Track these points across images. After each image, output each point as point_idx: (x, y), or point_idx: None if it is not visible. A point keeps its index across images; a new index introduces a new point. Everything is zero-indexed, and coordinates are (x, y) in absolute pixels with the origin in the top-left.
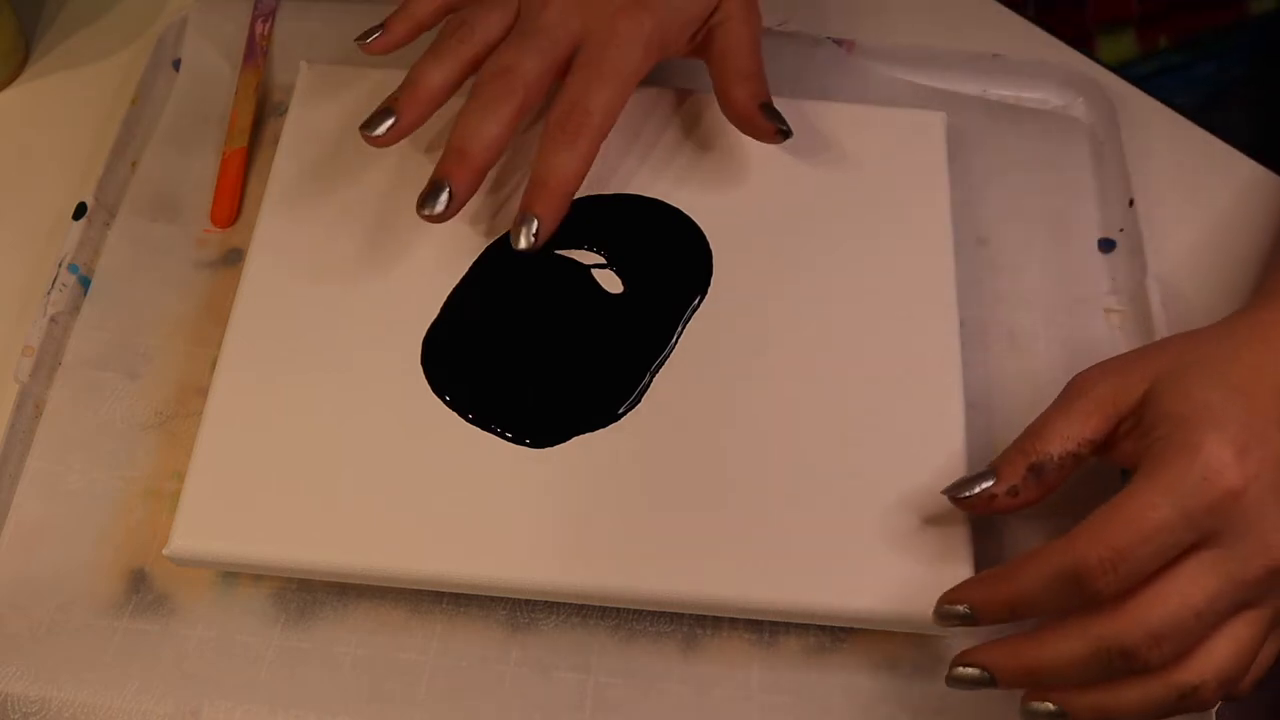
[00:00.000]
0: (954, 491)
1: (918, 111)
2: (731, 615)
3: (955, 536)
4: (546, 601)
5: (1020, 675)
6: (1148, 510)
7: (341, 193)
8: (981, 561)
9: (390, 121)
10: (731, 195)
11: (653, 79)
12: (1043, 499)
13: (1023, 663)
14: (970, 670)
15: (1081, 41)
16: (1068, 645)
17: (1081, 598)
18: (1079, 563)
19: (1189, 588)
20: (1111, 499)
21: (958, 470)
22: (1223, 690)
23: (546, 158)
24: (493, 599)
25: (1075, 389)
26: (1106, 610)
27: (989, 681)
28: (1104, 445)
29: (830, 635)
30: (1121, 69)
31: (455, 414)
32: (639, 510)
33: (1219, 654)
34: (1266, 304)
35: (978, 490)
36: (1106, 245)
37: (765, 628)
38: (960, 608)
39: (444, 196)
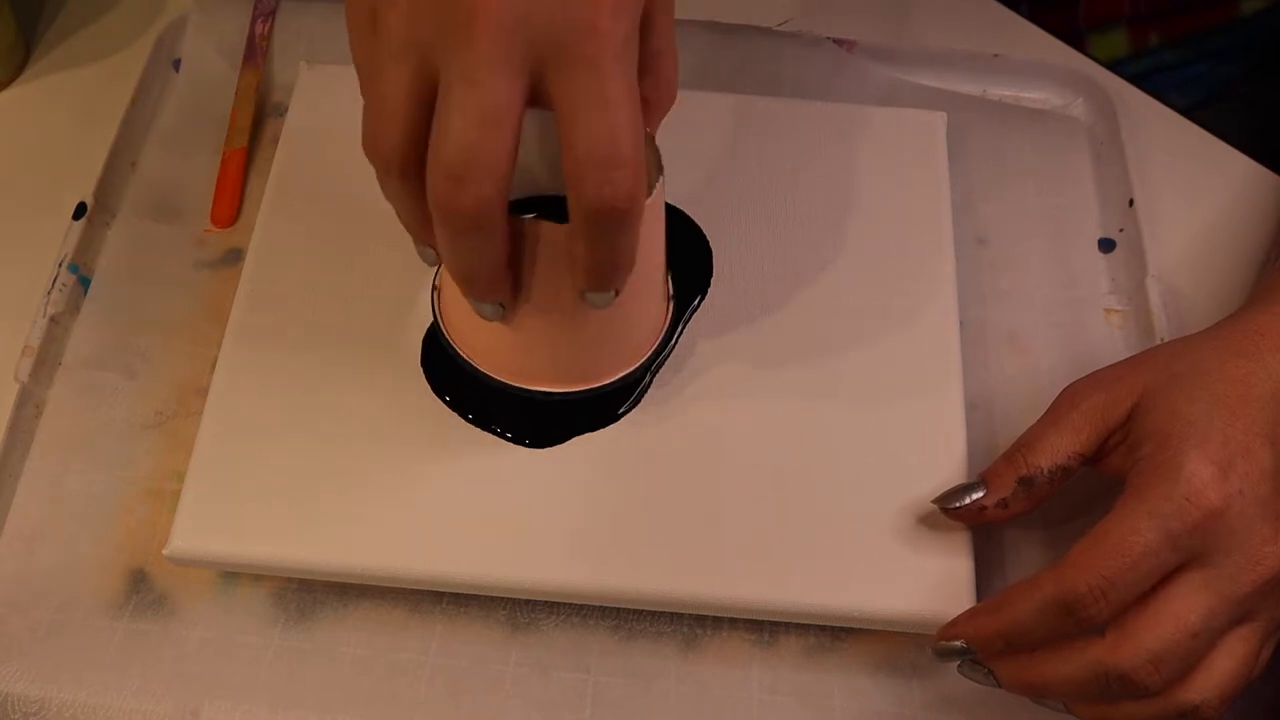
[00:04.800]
0: (944, 502)
1: (918, 111)
2: (731, 615)
3: (955, 536)
4: (546, 601)
5: (1022, 688)
6: (1132, 535)
7: (341, 192)
8: (981, 561)
9: (979, 495)
10: (732, 195)
11: None
12: (1033, 510)
13: (1025, 678)
14: (980, 668)
15: (1073, 39)
16: (1068, 668)
17: (1074, 625)
18: (1069, 592)
19: (1183, 609)
20: (1098, 524)
21: (958, 471)
22: (1225, 706)
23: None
24: (493, 599)
25: (1066, 401)
26: (1105, 635)
27: (995, 684)
28: (1094, 458)
29: (830, 635)
30: (1113, 67)
31: (455, 414)
32: (639, 510)
33: (1219, 672)
34: (1260, 309)
35: (967, 501)
36: (1106, 245)
37: (765, 628)
38: (957, 643)
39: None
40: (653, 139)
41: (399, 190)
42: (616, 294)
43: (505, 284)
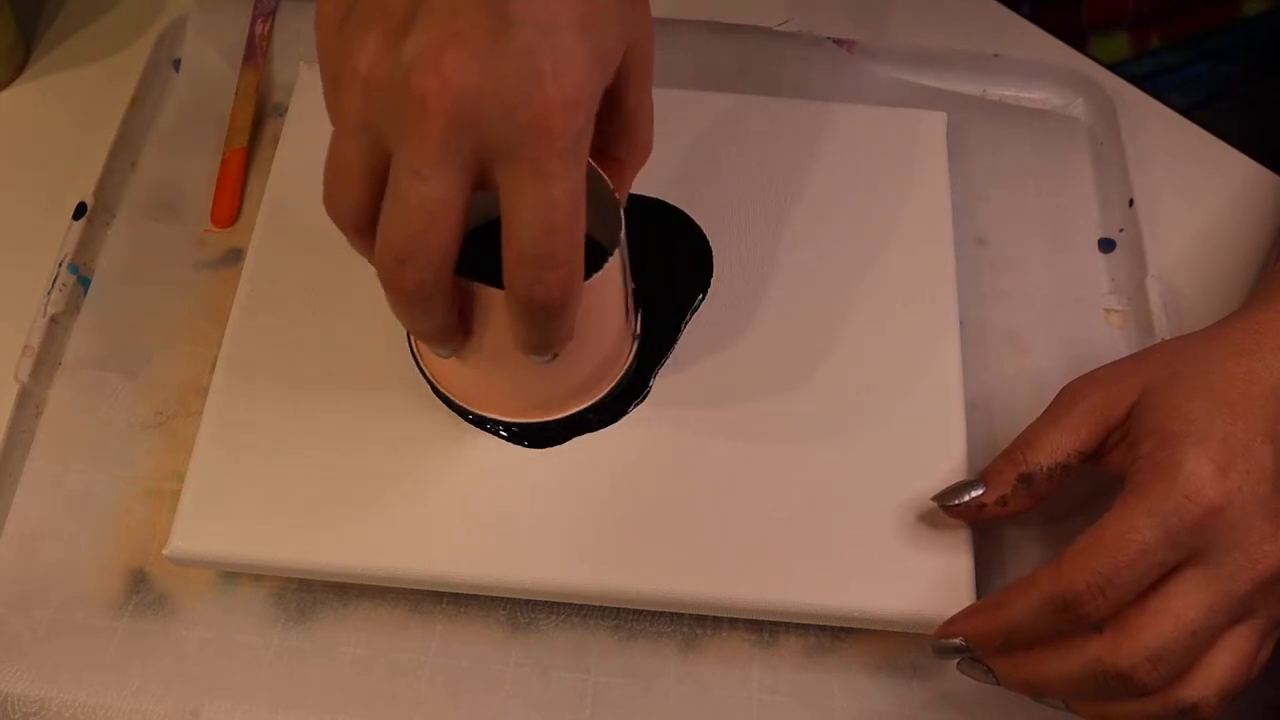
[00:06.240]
0: (943, 499)
1: (918, 111)
2: (731, 615)
3: (955, 535)
4: (546, 601)
5: (1020, 686)
6: (1131, 533)
7: None
8: (981, 561)
9: (978, 492)
10: (732, 194)
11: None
12: (1033, 508)
13: (1023, 675)
14: (979, 665)
15: (1075, 41)
16: (1067, 666)
17: (1073, 623)
18: (1067, 589)
19: (1182, 607)
20: (1097, 522)
21: (958, 471)
22: (1224, 704)
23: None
24: (493, 599)
25: (1066, 399)
26: (1103, 632)
27: (994, 681)
28: (1094, 455)
29: (830, 635)
30: (1114, 68)
31: (455, 414)
32: (639, 510)
33: (1218, 670)
34: (1262, 306)
35: (966, 499)
36: (1106, 245)
37: (765, 628)
38: (956, 640)
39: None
40: (619, 202)
41: (357, 246)
42: (555, 356)
43: (452, 337)
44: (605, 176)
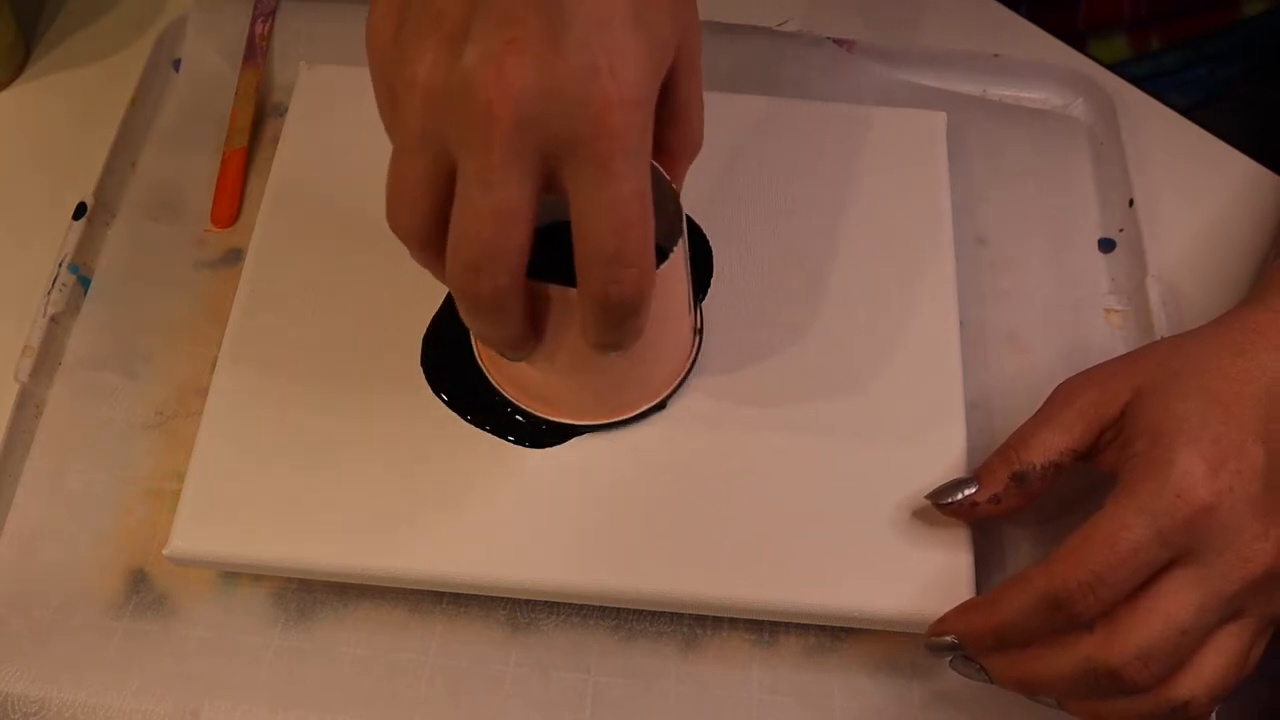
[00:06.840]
0: (936, 497)
1: (918, 111)
2: (731, 615)
3: (955, 535)
4: (546, 601)
5: (1012, 684)
6: (1122, 531)
7: (341, 193)
8: (981, 561)
9: (971, 490)
10: (732, 195)
11: None
12: (1027, 506)
13: (1016, 674)
14: (971, 664)
15: (1073, 43)
16: (1059, 664)
17: (1064, 621)
18: (1059, 588)
19: (1173, 606)
20: (1088, 520)
21: (957, 470)
22: (1215, 703)
23: None
24: (493, 599)
25: (1060, 398)
26: (1094, 631)
27: (987, 679)
28: (1087, 454)
29: (830, 635)
30: (1114, 69)
31: (455, 414)
32: (639, 510)
33: (1208, 668)
34: (1259, 307)
35: (960, 496)
36: (1106, 245)
37: (765, 628)
38: (948, 638)
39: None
40: (677, 194)
41: (423, 260)
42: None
43: (525, 343)
44: (662, 170)
